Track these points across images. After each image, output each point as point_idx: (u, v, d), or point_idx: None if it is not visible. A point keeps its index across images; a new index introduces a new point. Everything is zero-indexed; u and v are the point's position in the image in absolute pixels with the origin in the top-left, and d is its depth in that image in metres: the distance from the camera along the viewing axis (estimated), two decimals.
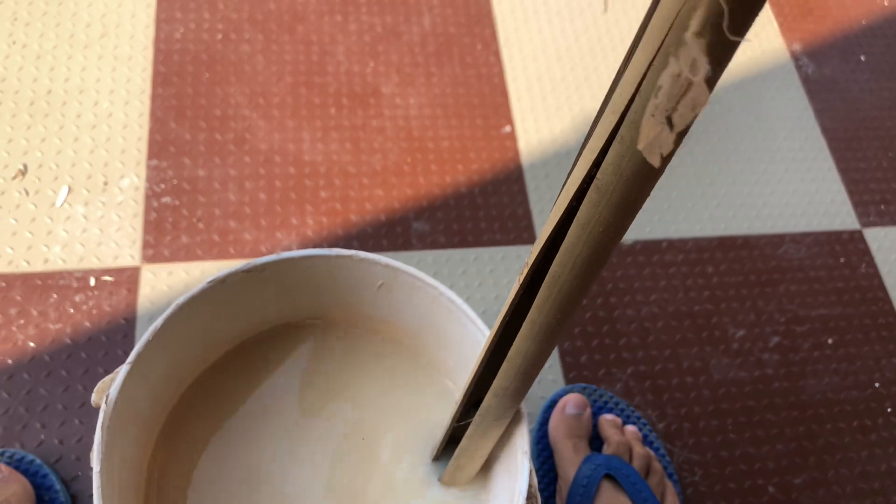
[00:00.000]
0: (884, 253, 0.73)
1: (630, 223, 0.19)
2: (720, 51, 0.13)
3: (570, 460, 0.52)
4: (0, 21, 0.70)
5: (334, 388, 0.39)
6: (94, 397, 0.32)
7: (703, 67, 0.13)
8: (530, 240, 0.67)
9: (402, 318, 0.39)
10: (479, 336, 0.34)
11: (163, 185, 0.64)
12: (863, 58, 0.85)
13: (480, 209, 0.68)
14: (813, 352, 0.67)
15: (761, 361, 0.65)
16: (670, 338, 0.65)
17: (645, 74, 0.15)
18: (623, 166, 0.16)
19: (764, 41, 0.84)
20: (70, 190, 0.63)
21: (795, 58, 0.83)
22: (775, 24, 0.85)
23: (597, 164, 0.17)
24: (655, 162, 0.15)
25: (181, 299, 0.33)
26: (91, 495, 0.52)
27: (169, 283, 0.60)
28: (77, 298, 0.59)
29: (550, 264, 0.21)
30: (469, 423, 0.30)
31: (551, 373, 0.61)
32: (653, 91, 0.14)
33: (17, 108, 0.66)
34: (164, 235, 0.62)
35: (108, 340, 0.58)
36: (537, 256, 0.22)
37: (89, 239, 0.61)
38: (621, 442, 0.53)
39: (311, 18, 0.76)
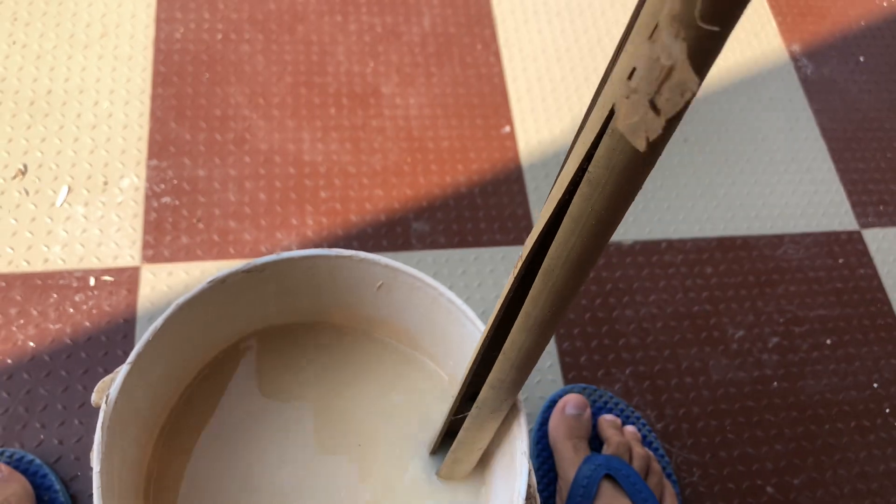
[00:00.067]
0: (882, 254, 0.73)
1: (622, 216, 0.19)
2: (695, 39, 0.13)
3: (569, 460, 0.52)
4: (0, 21, 0.70)
5: (334, 388, 0.39)
6: (94, 397, 0.32)
7: (678, 53, 0.13)
8: None
9: (402, 319, 0.39)
10: (478, 336, 0.35)
11: (163, 186, 0.64)
12: (862, 58, 0.85)
13: (480, 209, 0.68)
14: (812, 352, 0.67)
15: (760, 362, 0.65)
16: (669, 338, 0.65)
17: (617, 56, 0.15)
18: (614, 159, 0.17)
19: (763, 41, 0.84)
20: (70, 190, 0.63)
21: (794, 58, 0.83)
22: (774, 25, 0.85)
23: (588, 157, 0.17)
24: (641, 145, 0.15)
25: (181, 299, 0.33)
26: (90, 495, 0.52)
27: (169, 284, 0.60)
28: (77, 298, 0.59)
29: (544, 257, 0.21)
30: (466, 417, 0.30)
31: (551, 373, 0.61)
32: (626, 72, 0.14)
33: (17, 108, 0.66)
34: (164, 235, 0.62)
35: (108, 340, 0.58)
36: (531, 250, 0.22)
37: (89, 239, 0.61)
38: (621, 442, 0.53)
39: (311, 18, 0.76)
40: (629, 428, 0.56)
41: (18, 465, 0.51)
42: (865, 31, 0.87)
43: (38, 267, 0.60)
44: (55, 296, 0.59)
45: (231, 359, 0.39)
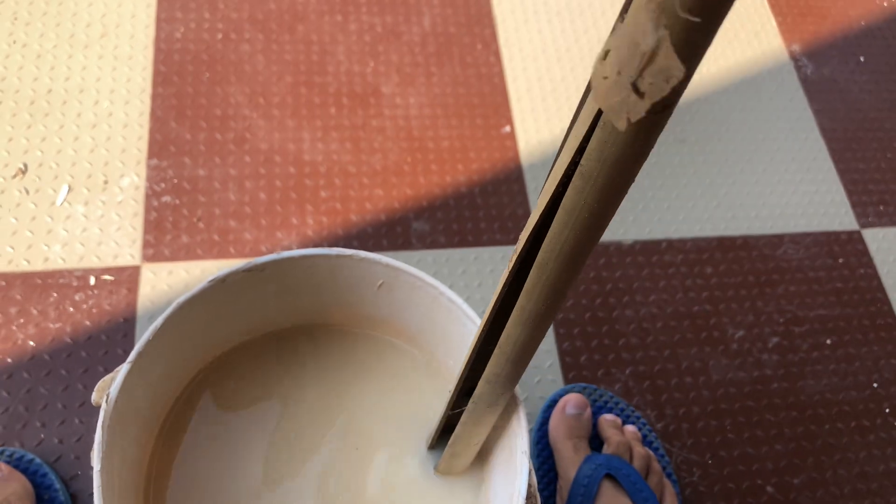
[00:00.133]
0: (882, 254, 0.73)
1: (615, 209, 0.19)
2: (677, 28, 0.13)
3: (570, 460, 0.52)
4: (0, 20, 0.70)
5: (334, 389, 0.39)
6: (94, 396, 0.32)
7: (658, 41, 0.13)
8: None
9: (403, 318, 0.39)
10: None
11: (163, 185, 0.64)
12: (862, 58, 0.85)
13: (480, 209, 0.68)
14: (812, 352, 0.67)
15: (760, 362, 0.65)
16: (669, 338, 0.65)
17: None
18: (606, 152, 0.17)
19: (763, 41, 0.84)
20: (70, 189, 0.63)
21: (795, 58, 0.83)
22: (774, 24, 0.85)
23: (581, 150, 0.17)
24: (620, 125, 0.16)
25: (182, 298, 0.33)
26: (90, 494, 0.52)
27: (169, 283, 0.60)
28: (77, 297, 0.59)
29: (538, 251, 0.21)
30: (463, 411, 0.31)
31: (551, 373, 0.61)
32: (603, 54, 0.15)
33: (17, 108, 0.66)
34: (164, 235, 0.62)
35: (108, 339, 0.58)
36: (525, 244, 0.22)
37: (89, 238, 0.61)
38: (621, 442, 0.53)
39: (312, 18, 0.76)
40: (629, 427, 0.56)
41: (18, 464, 0.51)
42: (866, 31, 0.87)
43: (38, 266, 0.60)
44: (55, 295, 0.59)
45: (231, 360, 0.39)
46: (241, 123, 0.69)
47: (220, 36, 0.73)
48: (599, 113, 0.16)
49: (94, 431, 0.54)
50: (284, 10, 0.76)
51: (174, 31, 0.72)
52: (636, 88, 0.14)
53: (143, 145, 0.66)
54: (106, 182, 0.64)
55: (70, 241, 0.61)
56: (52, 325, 0.57)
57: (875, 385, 0.66)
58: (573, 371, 0.62)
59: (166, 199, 0.64)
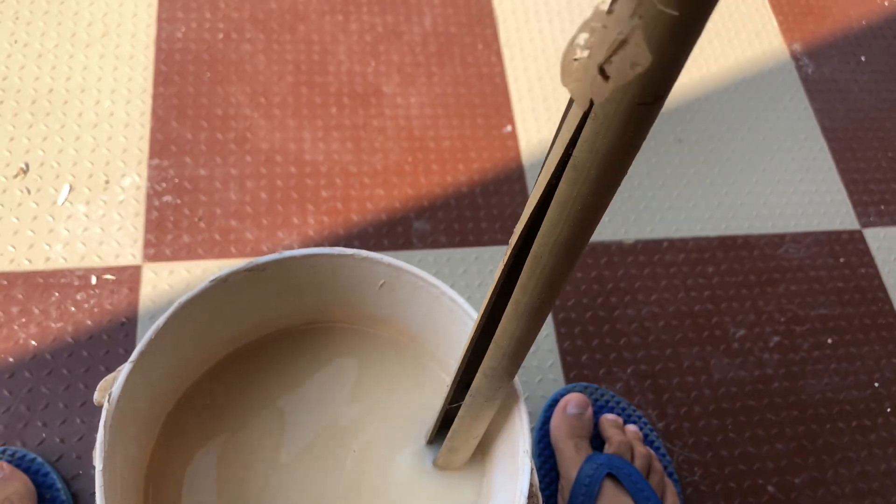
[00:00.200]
0: (883, 253, 0.73)
1: (608, 201, 0.19)
2: (652, 19, 0.13)
3: (571, 460, 0.52)
4: (2, 20, 0.70)
5: (335, 388, 0.39)
6: (96, 395, 0.32)
7: (632, 29, 0.13)
8: None
9: (404, 318, 0.39)
10: None
11: (164, 184, 0.65)
12: (863, 58, 0.85)
13: (481, 209, 0.68)
14: (813, 352, 0.67)
15: (761, 361, 0.65)
16: (671, 337, 0.65)
17: None
18: (598, 143, 0.17)
19: (764, 41, 0.84)
20: (71, 189, 0.63)
21: (795, 58, 0.83)
22: (775, 24, 0.85)
23: (573, 141, 0.18)
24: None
25: (183, 298, 0.33)
26: (92, 494, 0.52)
27: (170, 282, 0.60)
28: (78, 297, 0.59)
29: (532, 244, 0.21)
30: (461, 405, 0.31)
31: (552, 372, 0.61)
32: (575, 38, 0.15)
33: (18, 107, 0.66)
34: (165, 234, 0.62)
35: (110, 339, 0.58)
36: (519, 237, 0.22)
37: (91, 238, 0.61)
38: (622, 441, 0.53)
39: (313, 18, 0.76)
40: (630, 427, 0.56)
41: (20, 463, 0.51)
42: (866, 31, 0.87)
43: (39, 265, 0.60)
44: (57, 294, 0.59)
45: (231, 360, 0.39)
46: (242, 123, 0.69)
47: (221, 35, 0.73)
48: (591, 104, 0.16)
49: (95, 431, 0.54)
50: (285, 9, 0.76)
51: (175, 30, 0.72)
52: (602, 71, 0.15)
53: (145, 145, 0.66)
54: (107, 182, 0.64)
55: (71, 241, 0.61)
56: (53, 325, 0.58)
57: (876, 384, 0.66)
58: (574, 370, 0.62)
59: (167, 198, 0.64)
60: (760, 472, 0.61)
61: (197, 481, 0.36)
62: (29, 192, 0.63)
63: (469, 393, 0.29)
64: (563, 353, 0.63)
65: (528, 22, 0.80)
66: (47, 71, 0.68)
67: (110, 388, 0.31)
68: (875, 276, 0.72)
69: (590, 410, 0.55)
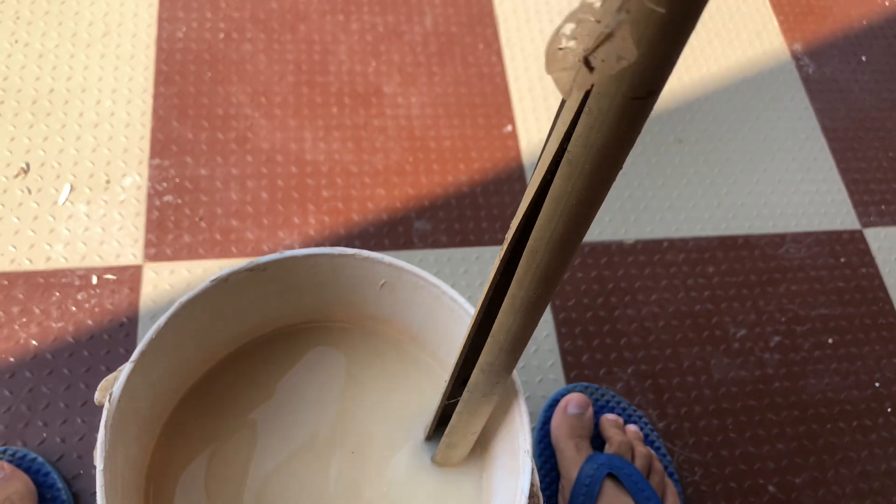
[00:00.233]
0: (884, 253, 0.73)
1: (603, 196, 0.19)
2: (639, 13, 0.13)
3: (572, 460, 0.52)
4: (2, 19, 0.70)
5: (336, 388, 0.39)
6: (97, 395, 0.32)
7: (618, 23, 0.13)
8: None
9: (405, 318, 0.39)
10: None
11: (165, 184, 0.65)
12: (863, 58, 0.85)
13: (482, 208, 0.68)
14: (813, 351, 0.67)
15: (762, 361, 0.65)
16: (671, 337, 0.65)
17: None
18: (592, 138, 0.17)
19: (765, 41, 0.84)
20: (72, 188, 0.63)
21: (796, 57, 0.83)
22: (776, 24, 0.85)
23: (568, 136, 0.18)
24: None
25: (184, 298, 0.33)
26: (93, 493, 0.52)
27: (171, 282, 0.60)
28: (79, 297, 0.59)
29: (528, 239, 0.21)
30: (459, 401, 0.31)
31: (553, 372, 0.61)
32: (561, 27, 0.15)
33: (19, 107, 0.66)
34: (166, 234, 0.62)
35: (111, 339, 0.58)
36: (515, 232, 0.22)
37: (91, 237, 0.61)
38: (623, 441, 0.53)
39: (313, 17, 0.76)
40: (631, 427, 0.56)
41: (21, 463, 0.51)
42: (867, 31, 0.87)
43: (40, 265, 0.60)
44: (57, 294, 0.59)
45: (232, 360, 0.39)
46: (242, 123, 0.69)
47: (221, 35, 0.73)
48: (585, 98, 0.16)
49: (95, 430, 0.54)
50: (286, 9, 0.76)
51: (176, 30, 0.72)
52: (587, 62, 0.15)
53: (145, 145, 0.66)
54: (108, 181, 0.64)
55: (72, 241, 0.61)
56: (54, 325, 0.58)
57: (877, 384, 0.66)
58: (575, 370, 0.62)
59: (168, 198, 0.64)
60: (761, 472, 0.61)
61: (197, 481, 0.36)
62: (30, 191, 0.63)
63: (466, 389, 0.29)
64: (564, 353, 0.63)
65: (529, 22, 0.80)
66: (48, 71, 0.68)
67: (111, 388, 0.31)
68: (876, 275, 0.72)
69: (590, 410, 0.55)
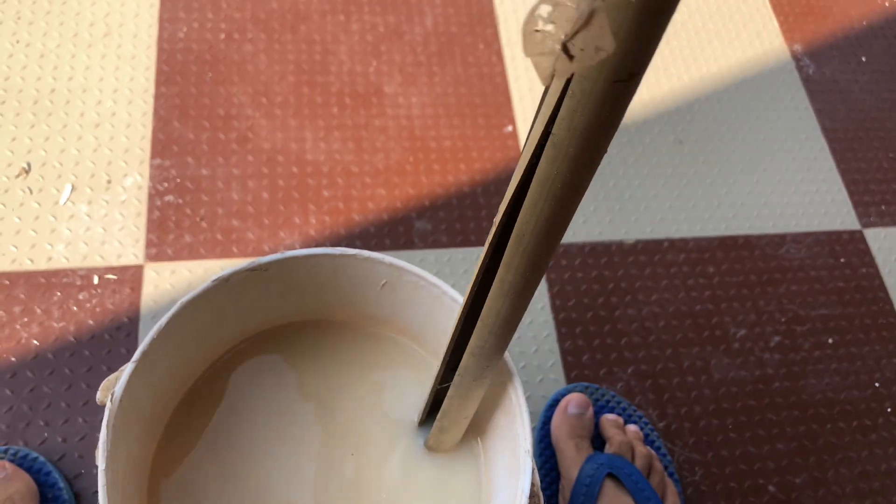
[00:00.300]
0: (884, 253, 0.73)
1: (588, 179, 0.19)
2: (615, 1, 0.13)
3: (572, 460, 0.52)
4: (4, 20, 0.70)
5: (336, 388, 0.39)
6: (99, 395, 0.32)
7: (589, 5, 0.14)
8: None
9: (406, 317, 0.39)
10: None
11: (166, 184, 0.65)
12: (864, 58, 0.85)
13: (482, 208, 0.68)
14: (813, 351, 0.67)
15: (762, 361, 0.65)
16: (671, 337, 0.65)
17: None
18: (576, 121, 0.17)
19: (765, 41, 0.84)
20: (73, 188, 0.63)
21: (796, 58, 0.83)
22: (776, 24, 0.85)
23: (553, 119, 0.18)
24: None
25: (186, 298, 0.33)
26: (94, 492, 0.52)
27: (172, 282, 0.60)
28: (81, 297, 0.59)
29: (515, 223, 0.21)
30: (450, 386, 0.31)
31: (553, 372, 0.62)
32: (537, 6, 0.15)
33: (20, 107, 0.66)
34: (167, 234, 0.62)
35: (112, 339, 0.58)
36: (503, 216, 0.22)
37: (93, 237, 0.61)
38: (623, 441, 0.53)
39: (314, 18, 0.76)
40: (631, 427, 0.56)
41: (22, 462, 0.51)
42: (867, 31, 0.87)
43: (41, 265, 0.60)
44: (59, 294, 0.59)
45: (232, 359, 0.39)
46: (243, 123, 0.69)
47: (222, 36, 0.73)
48: (569, 82, 0.16)
49: (97, 430, 0.54)
50: (287, 9, 0.76)
51: (177, 30, 0.73)
52: (567, 50, 0.15)
53: (147, 145, 0.66)
54: (109, 181, 0.64)
55: (73, 241, 0.61)
56: (55, 324, 0.58)
57: (877, 384, 0.66)
58: (575, 370, 0.62)
59: (169, 198, 0.64)
60: (761, 472, 0.61)
61: (199, 481, 0.36)
62: (31, 191, 0.63)
63: (457, 373, 0.30)
64: (564, 353, 0.63)
65: None
66: (49, 71, 0.68)
67: (113, 388, 0.31)
68: (875, 276, 0.72)
69: (590, 410, 0.55)
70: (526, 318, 0.63)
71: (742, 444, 0.62)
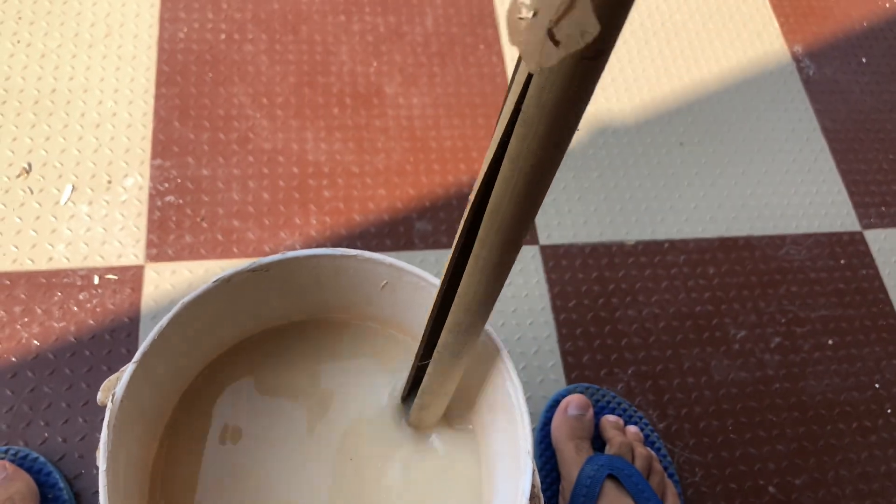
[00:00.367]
0: (884, 254, 0.73)
1: (560, 156, 0.19)
2: None
3: (572, 461, 0.52)
4: (5, 20, 0.70)
5: (336, 387, 0.39)
6: (100, 395, 0.32)
7: None
8: (532, 240, 0.67)
9: (406, 318, 0.39)
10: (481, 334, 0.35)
11: (167, 185, 0.65)
12: (864, 59, 0.85)
13: None
14: (813, 353, 0.67)
15: (762, 362, 0.66)
16: (672, 338, 0.65)
17: None
18: (544, 98, 0.17)
19: (765, 42, 0.84)
20: (74, 189, 0.63)
21: (797, 59, 0.83)
22: (776, 25, 0.85)
23: (522, 97, 0.18)
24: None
25: (187, 298, 0.33)
26: (94, 493, 0.52)
27: (172, 282, 0.60)
28: (81, 297, 0.59)
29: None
30: (430, 363, 0.31)
31: (553, 373, 0.62)
32: None
33: (21, 107, 0.66)
34: (167, 234, 0.63)
35: (112, 339, 0.58)
36: (477, 194, 0.23)
37: (93, 238, 0.61)
38: (623, 442, 0.53)
39: (315, 18, 0.76)
40: (631, 428, 0.56)
41: (23, 462, 0.51)
42: (868, 32, 0.87)
43: (42, 265, 0.60)
44: (59, 294, 0.59)
45: (232, 359, 0.39)
46: (244, 123, 0.69)
47: (223, 36, 0.73)
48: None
49: (97, 430, 0.54)
50: (287, 10, 0.76)
51: (178, 31, 0.73)
52: (552, 36, 0.15)
53: (147, 145, 0.66)
54: (110, 182, 0.64)
55: (74, 241, 0.61)
56: (56, 325, 0.58)
57: (877, 385, 0.66)
58: (575, 371, 0.62)
59: (170, 198, 0.64)
60: (761, 473, 0.61)
61: (200, 481, 0.36)
62: (31, 192, 0.63)
63: (436, 349, 0.30)
64: (565, 353, 0.63)
65: None
66: (50, 71, 0.68)
67: (114, 389, 0.31)
68: (876, 277, 0.72)
69: (591, 411, 0.55)
70: (526, 319, 0.63)
71: (742, 445, 0.62)
